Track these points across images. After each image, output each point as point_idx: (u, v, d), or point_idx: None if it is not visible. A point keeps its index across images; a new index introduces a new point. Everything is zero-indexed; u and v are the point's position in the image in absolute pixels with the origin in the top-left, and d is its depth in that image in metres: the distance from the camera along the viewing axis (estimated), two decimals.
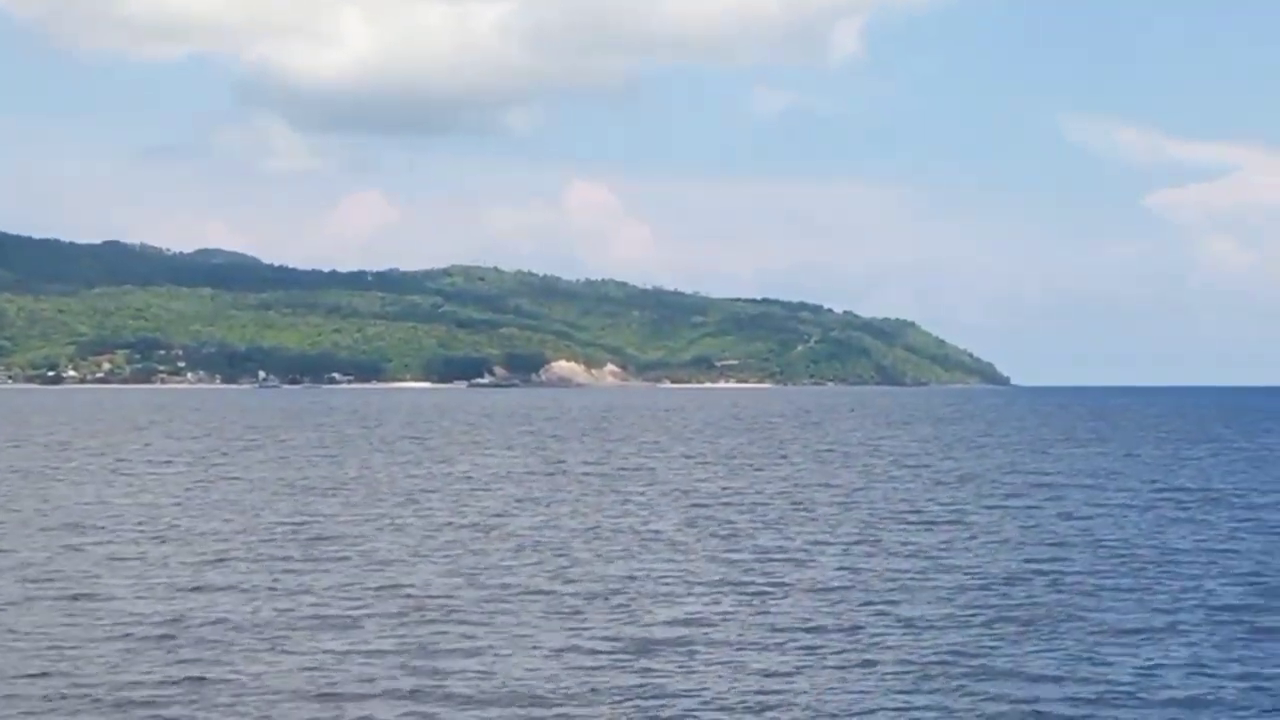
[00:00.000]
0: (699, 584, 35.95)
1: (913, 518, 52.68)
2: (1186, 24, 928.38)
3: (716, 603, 33.29)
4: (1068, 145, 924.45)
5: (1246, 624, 31.03)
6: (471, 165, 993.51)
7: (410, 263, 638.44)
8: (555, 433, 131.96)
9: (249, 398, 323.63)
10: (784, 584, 36.08)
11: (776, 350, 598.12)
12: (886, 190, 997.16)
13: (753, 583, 36.17)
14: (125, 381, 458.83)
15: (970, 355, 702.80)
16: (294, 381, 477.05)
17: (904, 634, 29.51)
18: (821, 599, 33.76)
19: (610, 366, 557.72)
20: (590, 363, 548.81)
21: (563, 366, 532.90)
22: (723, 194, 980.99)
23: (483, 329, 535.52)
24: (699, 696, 24.28)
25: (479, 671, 25.83)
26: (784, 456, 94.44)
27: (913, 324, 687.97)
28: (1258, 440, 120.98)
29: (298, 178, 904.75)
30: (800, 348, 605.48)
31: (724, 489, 65.56)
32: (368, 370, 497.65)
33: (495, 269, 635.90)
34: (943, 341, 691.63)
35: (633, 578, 36.81)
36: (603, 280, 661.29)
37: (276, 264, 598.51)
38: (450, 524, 48.98)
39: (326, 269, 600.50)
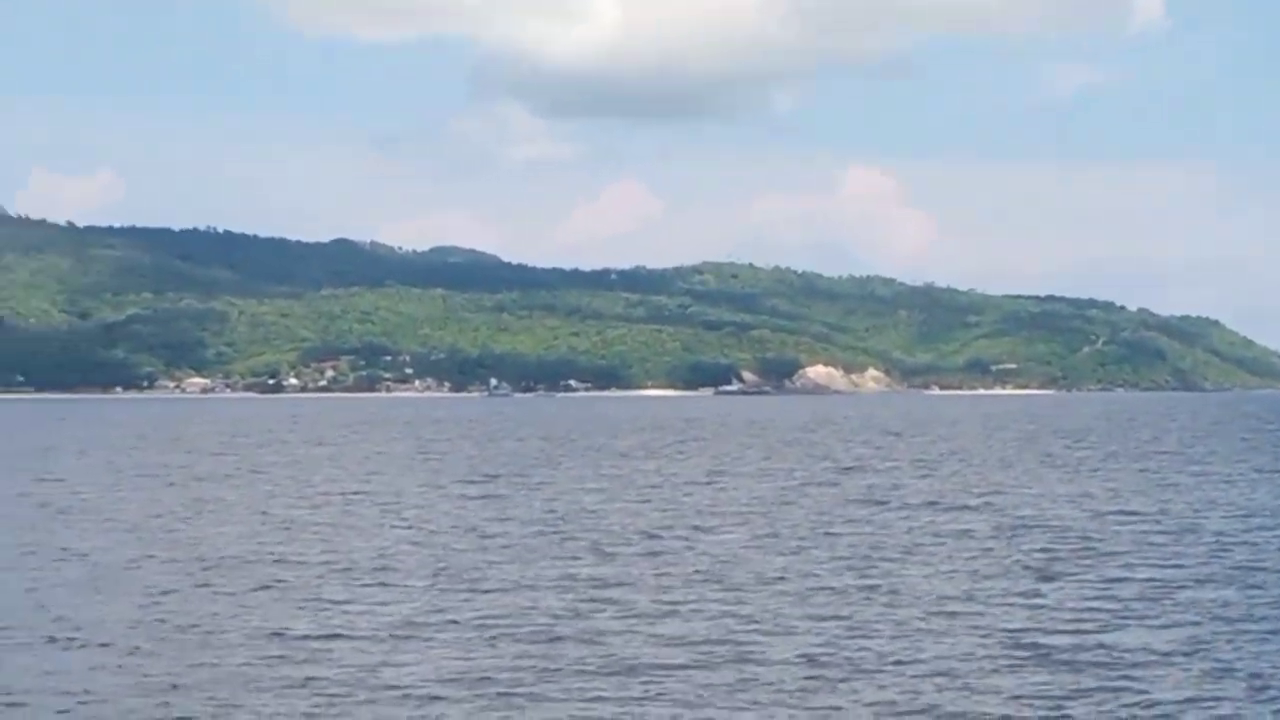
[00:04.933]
0: None
1: None
2: None
3: None
4: None
5: None
6: (730, 152, 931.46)
7: (660, 260, 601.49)
8: None
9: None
10: None
11: (1060, 353, 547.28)
12: (1193, 175, 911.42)
13: None
14: (348, 390, 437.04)
15: None
16: (527, 389, 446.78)
17: None
18: None
19: (872, 371, 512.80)
20: (850, 367, 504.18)
21: (819, 372, 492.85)
22: (1007, 181, 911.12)
23: (733, 331, 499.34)
24: None
25: None
26: None
27: (1217, 323, 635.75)
28: None
29: (540, 168, 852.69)
30: (1086, 349, 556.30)
31: None
32: (606, 377, 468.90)
33: (750, 265, 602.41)
34: (1251, 342, 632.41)
35: None
36: (868, 277, 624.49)
37: (515, 263, 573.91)
38: None
39: (569, 267, 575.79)
